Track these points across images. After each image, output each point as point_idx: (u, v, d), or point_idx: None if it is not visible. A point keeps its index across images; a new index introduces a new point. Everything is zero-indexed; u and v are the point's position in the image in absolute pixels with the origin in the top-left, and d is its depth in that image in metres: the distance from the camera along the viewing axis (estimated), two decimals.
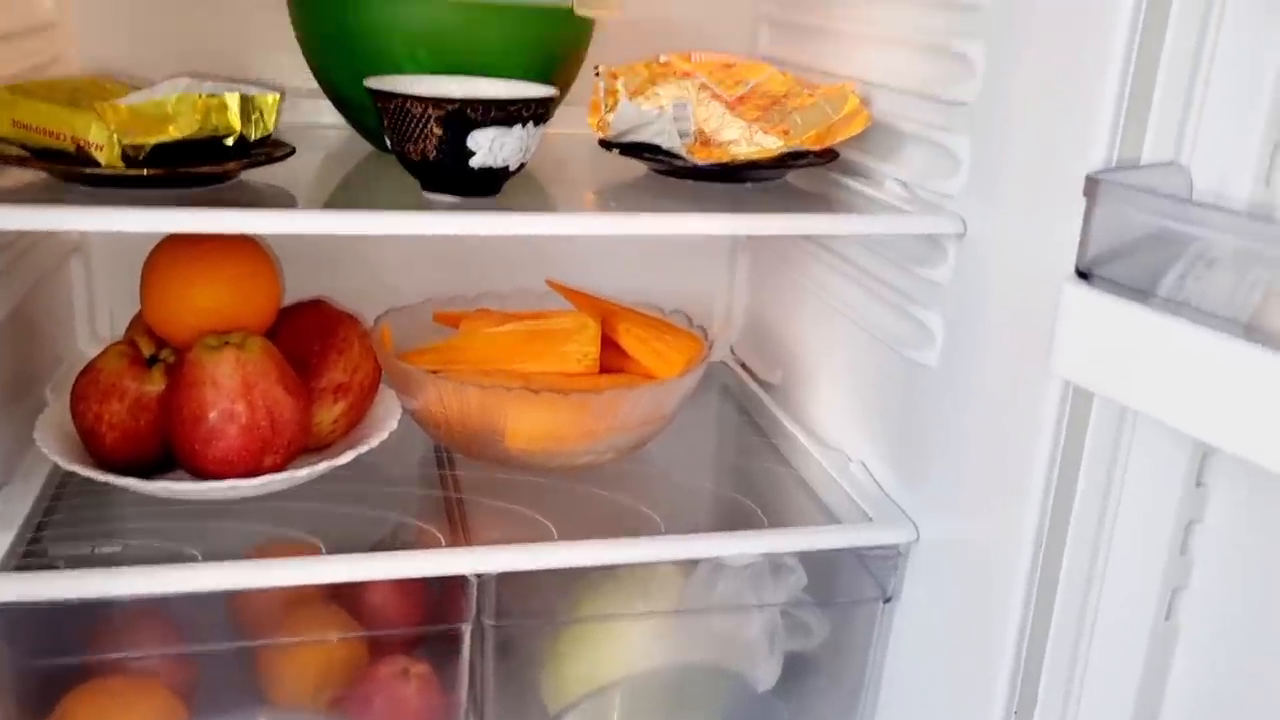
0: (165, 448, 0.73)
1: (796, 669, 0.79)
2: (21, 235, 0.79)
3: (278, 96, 0.71)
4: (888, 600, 0.77)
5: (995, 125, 0.66)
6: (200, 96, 0.67)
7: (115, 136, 0.63)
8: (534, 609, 0.76)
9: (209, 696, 0.72)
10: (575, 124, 0.81)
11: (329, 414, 0.78)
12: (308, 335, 0.79)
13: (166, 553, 0.69)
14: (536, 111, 0.67)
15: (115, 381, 0.73)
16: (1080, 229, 0.50)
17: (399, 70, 0.74)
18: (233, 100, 0.69)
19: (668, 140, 0.74)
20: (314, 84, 0.83)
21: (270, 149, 0.71)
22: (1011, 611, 0.64)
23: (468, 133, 0.65)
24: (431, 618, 0.75)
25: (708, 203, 0.73)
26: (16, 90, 0.67)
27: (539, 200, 0.75)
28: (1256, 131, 0.52)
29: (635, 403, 0.77)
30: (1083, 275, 0.50)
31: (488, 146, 0.66)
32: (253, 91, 0.70)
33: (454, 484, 0.81)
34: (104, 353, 0.75)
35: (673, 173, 0.76)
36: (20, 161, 0.65)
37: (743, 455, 0.90)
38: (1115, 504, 0.60)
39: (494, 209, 0.67)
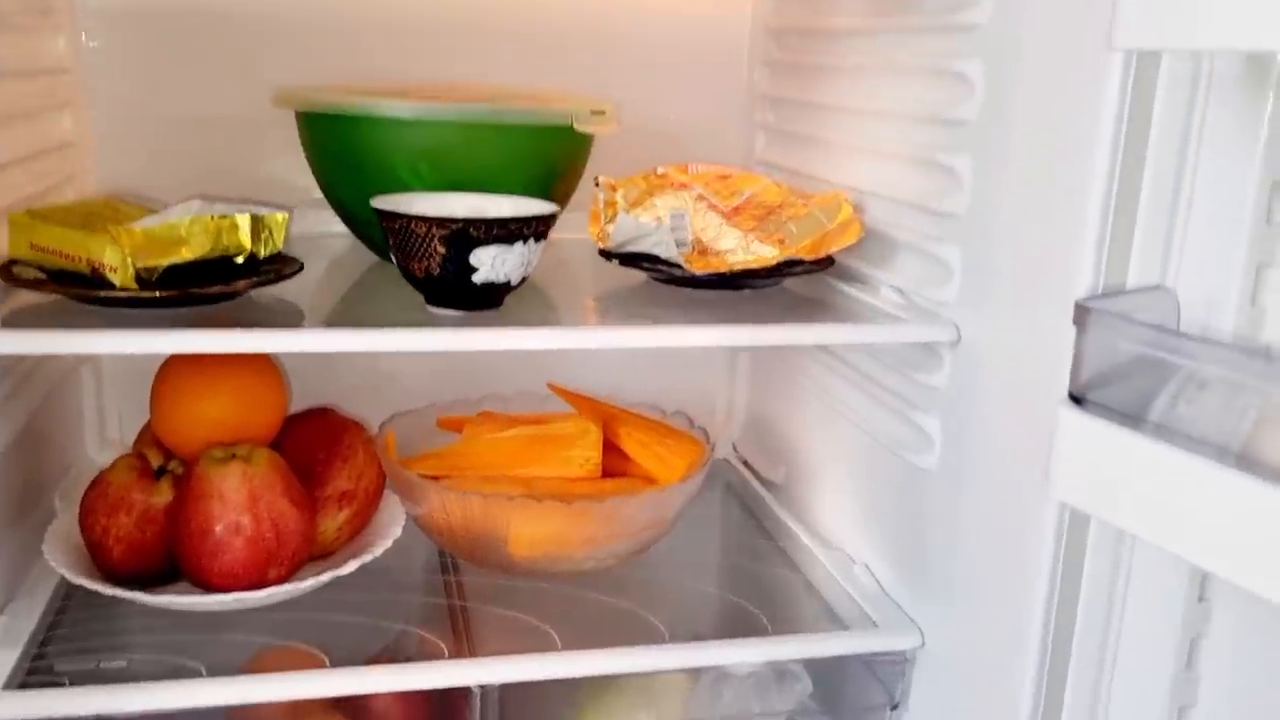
0: (171, 559, 0.74)
1: None
2: None
3: (287, 215, 0.73)
4: (895, 707, 0.76)
5: (985, 239, 0.68)
6: (212, 218, 0.69)
7: (129, 259, 0.65)
8: (538, 718, 0.75)
9: None
10: (577, 229, 0.84)
11: (333, 522, 0.78)
12: (313, 443, 0.80)
13: (171, 666, 0.69)
14: (538, 229, 0.69)
15: (123, 495, 0.74)
16: (1072, 354, 0.51)
17: (404, 187, 0.76)
18: (243, 220, 0.71)
19: (666, 250, 0.75)
20: (322, 195, 0.85)
21: (279, 266, 0.73)
22: None
23: (470, 250, 0.67)
24: None
25: (706, 310, 0.74)
26: (35, 215, 0.69)
27: (541, 309, 0.76)
28: (1240, 251, 0.54)
29: (637, 510, 0.78)
30: (1076, 400, 0.51)
31: (490, 263, 0.67)
32: (263, 211, 0.72)
33: (458, 590, 0.81)
34: (113, 465, 0.76)
35: (671, 281, 0.78)
36: (36, 284, 0.67)
37: (746, 556, 0.90)
38: (1119, 619, 0.60)
39: (497, 322, 0.69)
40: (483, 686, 0.70)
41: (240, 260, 0.71)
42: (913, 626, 0.75)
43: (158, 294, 0.66)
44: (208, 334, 0.63)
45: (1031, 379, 0.62)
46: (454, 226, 0.66)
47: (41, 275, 0.68)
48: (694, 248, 0.79)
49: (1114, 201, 0.55)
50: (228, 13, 0.92)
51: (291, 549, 0.73)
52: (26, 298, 0.68)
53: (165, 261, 0.67)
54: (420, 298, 0.70)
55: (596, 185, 0.82)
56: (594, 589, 0.81)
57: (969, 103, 0.68)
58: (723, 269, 0.75)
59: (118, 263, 0.65)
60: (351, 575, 0.74)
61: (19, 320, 0.65)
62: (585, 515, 0.77)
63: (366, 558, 0.76)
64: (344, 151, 0.80)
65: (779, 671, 0.75)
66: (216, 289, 0.68)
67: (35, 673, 0.68)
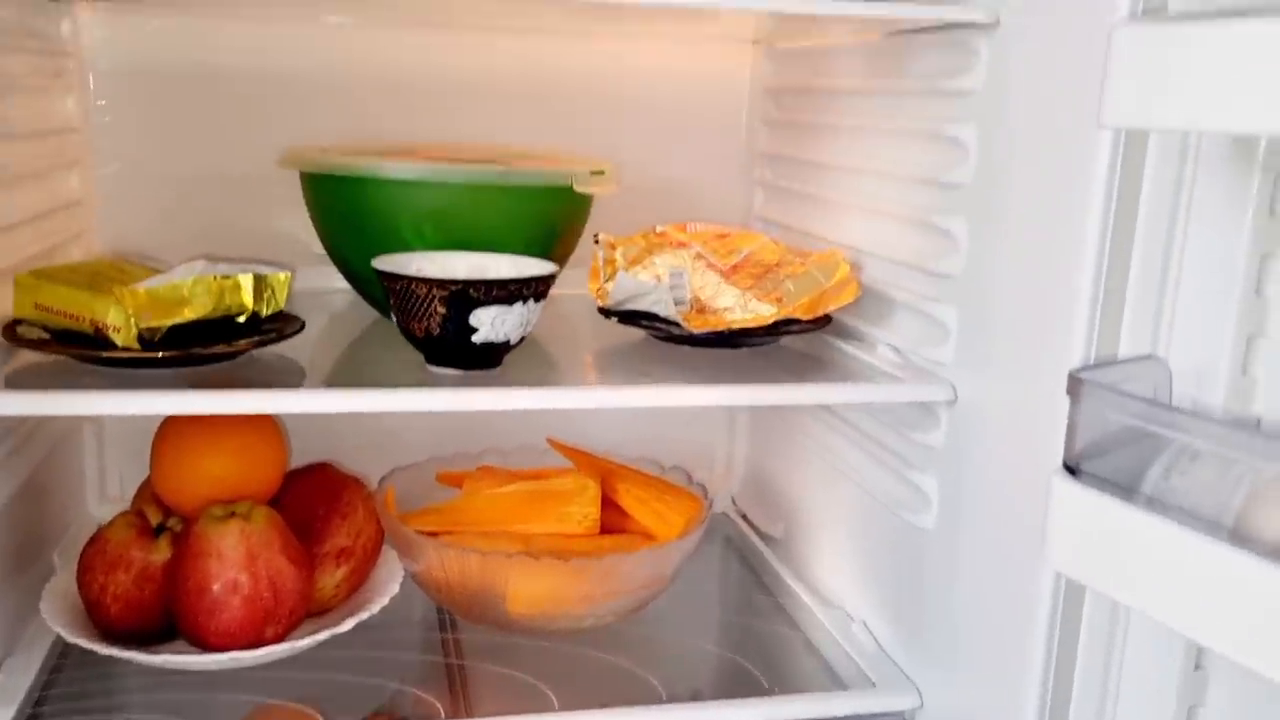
0: (169, 616, 0.74)
1: None
2: None
3: (289, 274, 0.74)
4: None
5: (980, 300, 0.68)
6: (215, 278, 0.70)
7: (132, 319, 0.66)
8: None
9: None
10: (576, 285, 0.84)
11: (331, 579, 0.78)
12: (312, 500, 0.80)
13: None
14: (537, 290, 0.69)
15: (122, 552, 0.74)
16: (1066, 425, 0.51)
17: (407, 247, 0.77)
18: (246, 280, 0.72)
19: (664, 309, 0.76)
20: (324, 251, 0.86)
21: (281, 325, 0.73)
22: None
23: (470, 311, 0.67)
24: None
25: (705, 367, 0.75)
26: (40, 275, 0.70)
27: (540, 368, 0.77)
28: (1230, 321, 0.54)
29: (635, 567, 0.78)
30: (1070, 469, 0.51)
31: (490, 323, 0.68)
32: (265, 271, 0.73)
33: (455, 648, 0.81)
34: (112, 523, 0.76)
35: (670, 339, 0.78)
36: (39, 345, 0.68)
37: (744, 614, 0.90)
38: (1115, 686, 0.59)
39: (496, 382, 0.69)
40: None
41: (243, 319, 0.72)
42: (911, 687, 0.75)
43: (160, 354, 0.66)
44: (208, 395, 0.64)
45: (1027, 442, 0.62)
46: (454, 287, 0.67)
47: (46, 335, 0.69)
48: (692, 306, 0.79)
49: (1105, 271, 0.56)
50: (235, 72, 0.93)
51: (289, 607, 0.73)
52: (31, 356, 0.68)
53: (168, 322, 0.67)
54: (421, 355, 0.71)
55: (596, 243, 0.82)
56: (592, 646, 0.81)
57: (963, 167, 0.69)
58: (721, 327, 0.76)
59: (121, 323, 0.66)
60: (349, 632, 0.74)
61: (23, 380, 0.66)
62: (583, 573, 0.77)
63: (364, 615, 0.76)
64: (348, 212, 0.81)
65: None
66: (218, 349, 0.69)
67: None
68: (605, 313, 0.79)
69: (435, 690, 0.75)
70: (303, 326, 0.74)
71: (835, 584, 0.87)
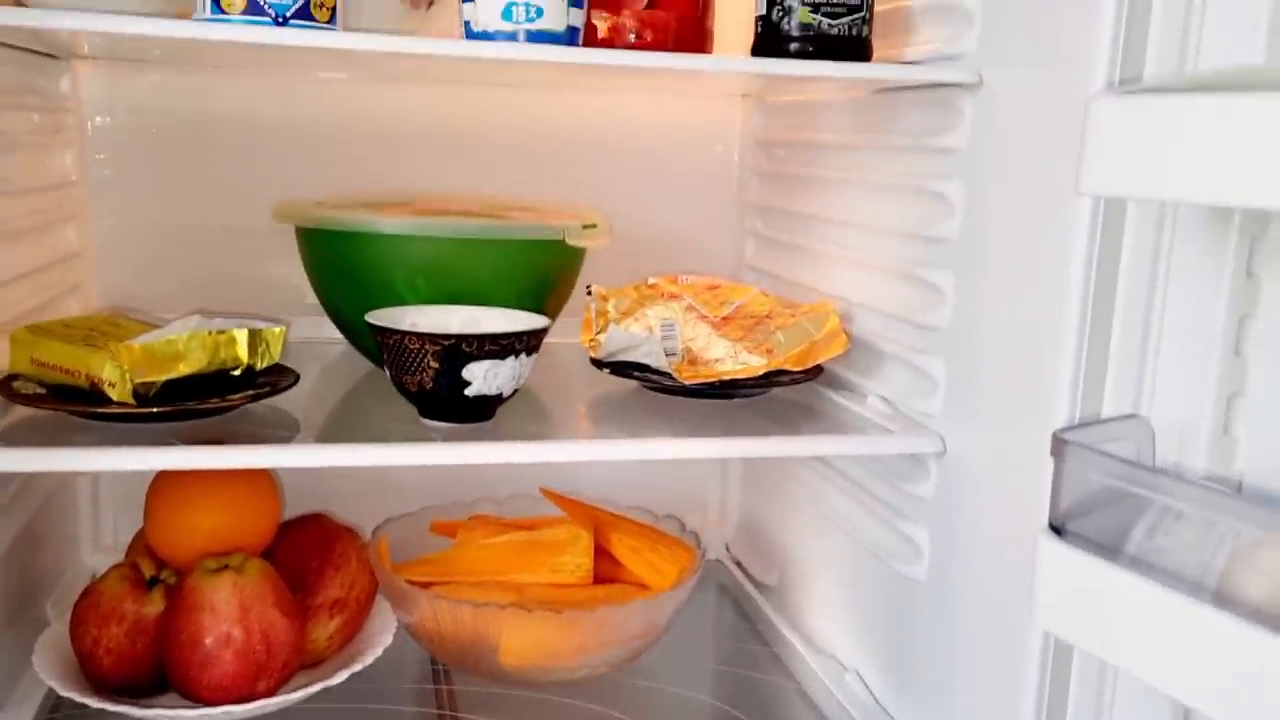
0: (161, 669, 0.73)
1: None
2: None
3: (284, 329, 0.75)
4: None
5: (967, 354, 0.69)
6: (210, 333, 0.71)
7: (127, 375, 0.66)
8: None
9: None
10: (569, 334, 0.85)
11: (324, 630, 0.78)
12: (306, 551, 0.80)
13: None
14: (529, 343, 0.70)
15: (115, 605, 0.74)
16: (1051, 485, 0.52)
17: (401, 300, 0.78)
18: (241, 335, 0.72)
19: (656, 360, 0.77)
20: (317, 301, 0.87)
21: (276, 378, 0.74)
22: None
23: (463, 365, 0.68)
24: None
25: (697, 417, 0.75)
26: (37, 330, 0.71)
27: (533, 420, 0.77)
28: (1210, 381, 0.55)
29: (628, 618, 0.78)
30: (1056, 529, 0.51)
31: (482, 377, 0.69)
32: (260, 325, 0.74)
33: (449, 699, 0.81)
34: (105, 575, 0.76)
35: (662, 390, 0.79)
36: (35, 401, 0.68)
37: (738, 663, 0.90)
38: None
39: (489, 436, 0.70)
40: None
41: (238, 373, 0.72)
42: None
43: (155, 410, 0.67)
44: (203, 451, 0.64)
45: (1016, 496, 0.63)
46: (447, 342, 0.67)
47: (41, 390, 0.69)
48: (684, 357, 0.80)
49: (1089, 330, 0.57)
50: (230, 126, 0.95)
51: (282, 660, 0.73)
52: (26, 411, 0.69)
53: (163, 377, 0.68)
54: (414, 408, 0.72)
55: (588, 294, 0.83)
56: (586, 698, 0.81)
57: (949, 222, 0.70)
58: (712, 378, 0.76)
59: (116, 378, 0.66)
60: (342, 684, 0.74)
61: (18, 436, 0.66)
62: (576, 624, 0.77)
63: (357, 667, 0.76)
64: (342, 265, 0.82)
65: None
66: (213, 403, 0.69)
67: None
68: (598, 364, 0.80)
69: None
70: (296, 380, 0.74)
71: (828, 633, 0.87)
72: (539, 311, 0.76)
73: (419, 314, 0.75)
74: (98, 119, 0.93)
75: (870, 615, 0.81)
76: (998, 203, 0.65)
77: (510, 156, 1.00)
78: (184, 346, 0.70)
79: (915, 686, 0.75)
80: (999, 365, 0.65)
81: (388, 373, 0.71)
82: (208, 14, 0.65)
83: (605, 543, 0.85)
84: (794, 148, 0.95)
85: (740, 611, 0.98)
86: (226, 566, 0.73)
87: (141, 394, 0.67)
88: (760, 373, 0.76)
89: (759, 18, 0.72)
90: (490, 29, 0.67)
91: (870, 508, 0.81)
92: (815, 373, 0.79)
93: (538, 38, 0.67)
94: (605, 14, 0.73)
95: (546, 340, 0.72)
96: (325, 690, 0.74)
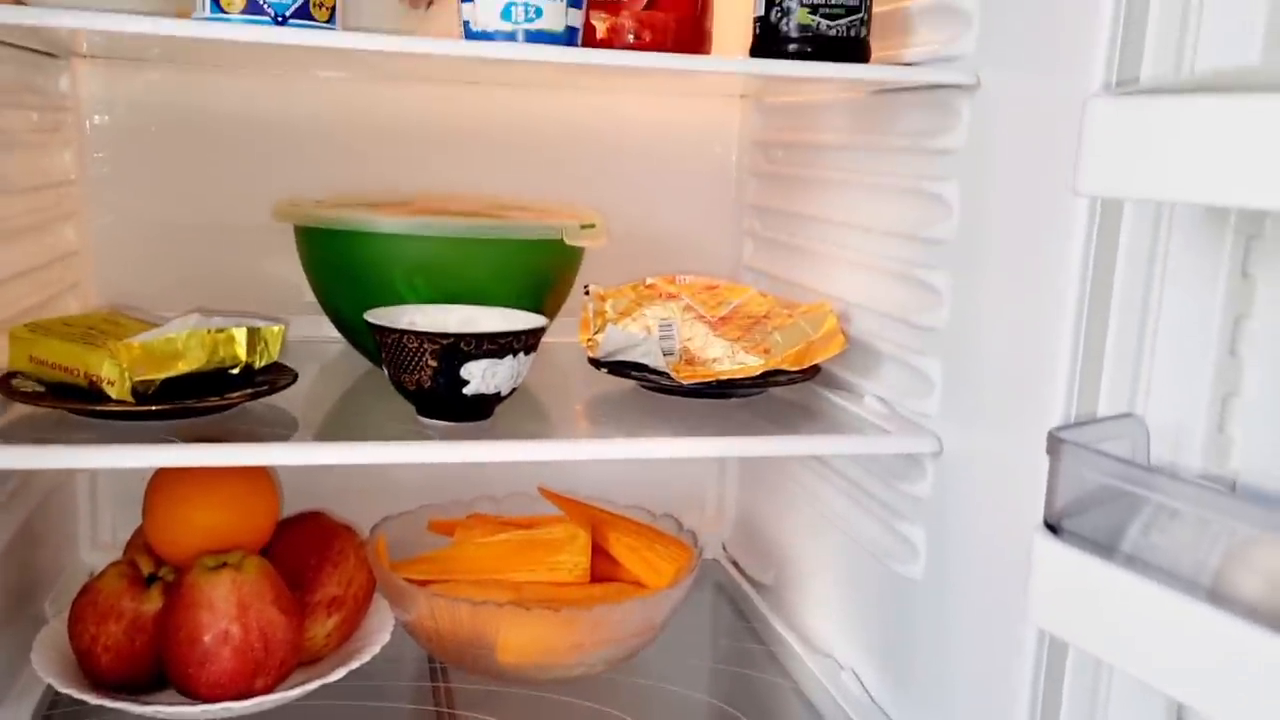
0: (160, 666, 0.74)
1: None
2: None
3: (282, 328, 0.75)
4: None
5: (964, 354, 0.69)
6: (209, 332, 0.71)
7: (126, 373, 0.67)
8: None
9: None
10: (567, 333, 0.85)
11: (322, 628, 0.79)
12: (304, 549, 0.80)
13: None
14: (527, 342, 0.70)
15: (113, 603, 0.74)
16: (1047, 483, 0.52)
17: (399, 299, 0.78)
18: (240, 334, 0.72)
19: (654, 360, 0.77)
20: (316, 300, 0.87)
21: (275, 377, 0.74)
22: None
23: (461, 364, 0.68)
24: None
25: (694, 417, 0.75)
26: (36, 329, 0.71)
27: (531, 419, 0.77)
28: (1206, 381, 0.55)
29: (625, 617, 0.78)
30: (1051, 527, 0.52)
31: (480, 376, 0.69)
32: (259, 324, 0.74)
33: (446, 697, 0.81)
34: (103, 573, 0.76)
35: (659, 389, 0.79)
36: (34, 398, 0.68)
37: (735, 662, 0.90)
38: None
39: (487, 434, 0.70)
40: None
41: (236, 371, 0.73)
42: None
43: (154, 408, 0.67)
44: (202, 448, 0.65)
45: (1012, 495, 0.63)
46: (445, 341, 0.68)
47: (40, 388, 0.69)
48: (681, 357, 0.80)
49: (1085, 330, 0.57)
50: (229, 124, 0.95)
51: (280, 658, 0.73)
52: (25, 409, 0.69)
53: (162, 375, 0.68)
54: (412, 406, 0.72)
55: (586, 294, 0.84)
56: (583, 695, 0.81)
57: (946, 223, 0.71)
58: (709, 378, 0.76)
59: (115, 377, 0.67)
60: (339, 681, 0.74)
61: (17, 434, 0.66)
62: (573, 623, 0.77)
63: (354, 664, 0.76)
64: (340, 264, 0.82)
65: None
66: (212, 402, 0.70)
67: None
68: (595, 363, 0.80)
69: None
70: (295, 378, 0.74)
71: (825, 632, 0.88)
72: (537, 311, 0.76)
73: (417, 313, 0.76)
74: (97, 118, 0.93)
75: (867, 614, 0.82)
76: (995, 204, 0.66)
77: (509, 156, 1.00)
78: (183, 345, 0.70)
79: (911, 685, 0.75)
80: (995, 365, 0.66)
81: (386, 371, 0.71)
82: (207, 13, 0.65)
83: (603, 541, 0.85)
84: (792, 148, 0.96)
85: (737, 610, 0.98)
86: (225, 564, 0.73)
87: (140, 392, 0.67)
88: (758, 372, 0.76)
89: (757, 19, 0.72)
90: (489, 29, 0.68)
91: (867, 507, 0.81)
92: (813, 373, 0.80)
93: (536, 38, 0.67)
94: (604, 15, 0.74)
95: (544, 340, 0.73)
96: (323, 688, 0.74)
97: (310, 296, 0.87)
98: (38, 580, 0.85)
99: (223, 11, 0.65)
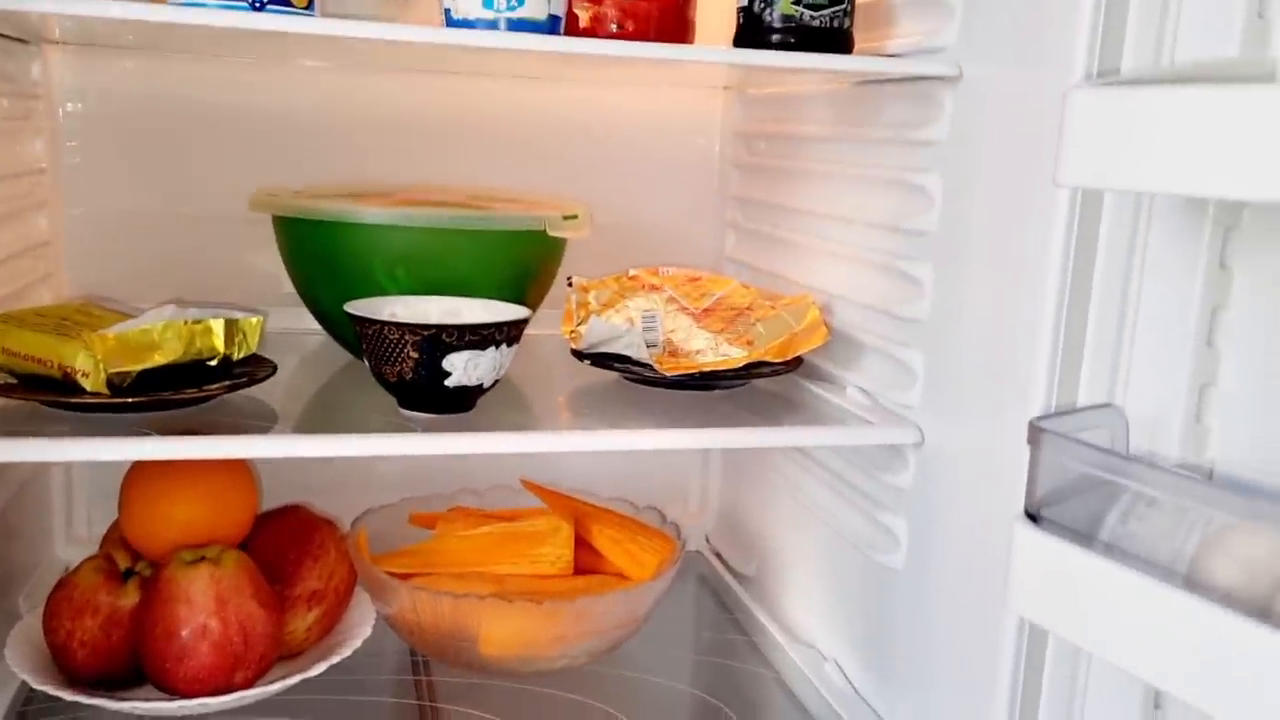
0: (137, 662, 0.73)
1: None
2: None
3: (260, 319, 0.74)
4: None
5: (946, 346, 0.69)
6: (185, 323, 0.70)
7: (101, 365, 0.66)
8: None
9: None
10: (550, 325, 0.85)
11: (303, 622, 0.78)
12: (284, 542, 0.80)
13: None
14: (510, 334, 0.70)
15: (89, 598, 0.73)
16: (1027, 473, 0.52)
17: (380, 290, 0.78)
18: (217, 325, 0.72)
19: (637, 352, 0.77)
20: (295, 291, 0.86)
21: (253, 369, 0.73)
22: None
23: (443, 356, 0.68)
24: None
25: (677, 409, 0.75)
26: (8, 319, 0.70)
27: (513, 411, 0.77)
28: (1184, 371, 0.56)
29: (608, 609, 0.78)
30: (1032, 516, 0.52)
31: (462, 367, 0.68)
32: (237, 315, 0.73)
33: (428, 690, 0.81)
34: (79, 568, 0.75)
35: (643, 381, 0.79)
36: (7, 390, 0.67)
37: (718, 653, 0.90)
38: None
39: (468, 426, 0.70)
40: None
41: (214, 363, 0.72)
42: None
43: (129, 400, 0.66)
44: (179, 441, 0.64)
45: (992, 485, 0.64)
46: (427, 332, 0.67)
47: (13, 380, 0.68)
48: (664, 349, 0.80)
49: (1065, 321, 0.57)
50: (205, 113, 0.94)
51: (259, 652, 0.72)
52: None
53: (138, 367, 0.67)
54: (394, 399, 0.71)
55: (569, 285, 0.83)
56: (566, 688, 0.81)
57: (928, 214, 0.71)
58: (693, 370, 0.76)
59: (90, 368, 0.66)
60: (320, 675, 0.74)
61: None
62: (556, 615, 0.77)
63: (335, 659, 0.76)
64: (320, 255, 0.81)
65: None
66: (189, 394, 0.69)
67: None
68: (578, 355, 0.80)
69: None
70: (274, 370, 0.74)
71: (807, 623, 0.88)
72: (519, 302, 0.76)
73: (399, 304, 0.75)
74: (69, 105, 0.91)
75: (849, 605, 0.82)
76: (977, 195, 0.66)
77: (491, 147, 0.99)
78: (159, 336, 0.69)
79: (893, 674, 0.76)
80: (977, 356, 0.66)
81: (367, 363, 0.70)
82: None
83: (585, 534, 0.85)
84: (774, 140, 0.96)
85: (720, 602, 0.98)
86: (203, 558, 0.73)
87: (116, 384, 0.66)
88: (740, 364, 0.76)
89: (741, 9, 0.72)
90: (470, 17, 0.67)
91: (849, 498, 0.81)
92: (795, 364, 0.80)
93: (519, 26, 0.67)
94: (587, 4, 0.73)
95: (527, 332, 0.72)
96: (304, 682, 0.73)
97: (289, 288, 0.86)
98: (12, 575, 0.84)
99: None
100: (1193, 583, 0.46)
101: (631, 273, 0.86)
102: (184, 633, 0.70)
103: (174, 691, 0.71)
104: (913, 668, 0.73)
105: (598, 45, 0.68)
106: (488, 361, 0.69)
